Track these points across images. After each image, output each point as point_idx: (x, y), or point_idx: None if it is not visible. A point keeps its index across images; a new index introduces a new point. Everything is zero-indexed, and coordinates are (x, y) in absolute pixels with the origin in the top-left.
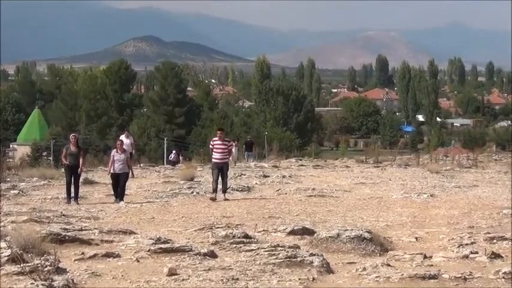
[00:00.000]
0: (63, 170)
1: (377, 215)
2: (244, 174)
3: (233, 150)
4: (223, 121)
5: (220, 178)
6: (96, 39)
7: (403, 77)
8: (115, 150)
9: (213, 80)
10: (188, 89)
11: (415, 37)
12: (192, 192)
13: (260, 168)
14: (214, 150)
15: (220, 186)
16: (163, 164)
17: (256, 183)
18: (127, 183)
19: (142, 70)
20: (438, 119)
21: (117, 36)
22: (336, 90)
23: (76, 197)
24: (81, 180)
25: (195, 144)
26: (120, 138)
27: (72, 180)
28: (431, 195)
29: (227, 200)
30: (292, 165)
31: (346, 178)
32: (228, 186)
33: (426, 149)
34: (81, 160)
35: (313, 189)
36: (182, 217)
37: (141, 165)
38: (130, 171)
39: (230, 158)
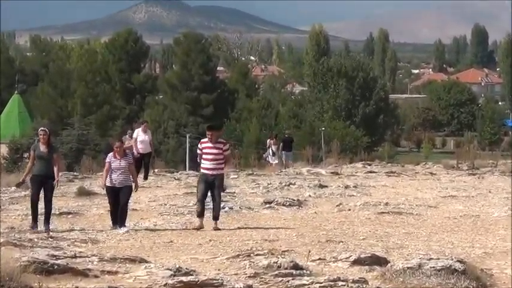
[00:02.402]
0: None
1: (472, 239)
2: (294, 184)
3: (273, 149)
4: (265, 112)
5: (210, 197)
6: (96, 3)
7: (508, 53)
8: (112, 154)
9: (252, 57)
10: (219, 68)
11: None
12: (224, 208)
13: (315, 175)
14: (204, 156)
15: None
16: (185, 168)
17: (309, 196)
18: (132, 197)
19: (157, 44)
20: None
21: None
22: (417, 71)
23: (47, 220)
24: (75, 190)
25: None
26: (136, 132)
27: (42, 196)
28: None
29: (218, 229)
30: (358, 171)
31: (430, 189)
32: (219, 212)
33: None
34: (55, 168)
35: (386, 204)
36: (210, 240)
37: (155, 171)
38: (135, 183)
39: (271, 159)
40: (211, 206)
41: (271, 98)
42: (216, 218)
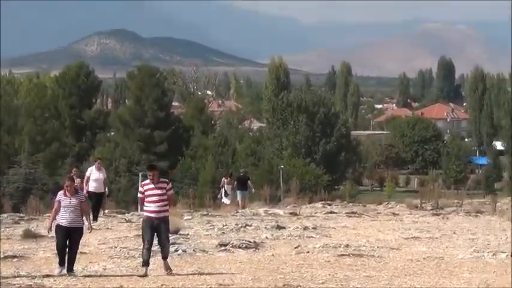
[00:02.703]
0: None
1: (435, 282)
2: (250, 225)
3: (225, 188)
4: (221, 149)
5: (157, 241)
6: (46, 34)
7: (475, 87)
8: (62, 192)
9: (208, 92)
10: (174, 104)
11: (494, 32)
12: (177, 250)
13: (273, 215)
14: (147, 199)
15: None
16: (137, 209)
17: (266, 237)
18: (81, 239)
19: (109, 78)
20: None
21: (75, 30)
22: (380, 106)
23: None
24: (20, 232)
25: (181, 182)
26: (89, 170)
27: None
28: None
29: (171, 273)
30: (318, 212)
31: (393, 230)
32: (168, 251)
33: (506, 190)
34: None
35: (347, 245)
36: (162, 285)
37: (106, 211)
38: (88, 223)
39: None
40: (159, 249)
41: (228, 135)
42: (166, 257)
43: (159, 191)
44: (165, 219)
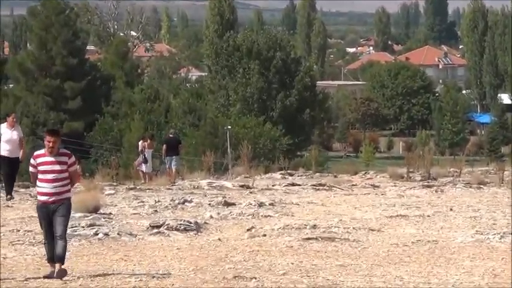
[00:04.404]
0: None
1: (428, 271)
2: (190, 201)
3: (146, 154)
4: (151, 106)
5: (55, 233)
6: None
7: (474, 26)
8: None
9: (133, 33)
10: (89, 48)
11: None
12: (97, 233)
13: (219, 189)
14: (40, 176)
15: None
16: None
17: (211, 217)
18: None
19: (6, 15)
20: None
21: None
22: (354, 49)
23: None
24: None
25: (101, 148)
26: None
27: None
28: None
29: (64, 274)
30: (277, 184)
31: (372, 207)
32: (65, 251)
33: None
34: None
35: (314, 226)
36: (78, 278)
37: (2, 185)
38: None
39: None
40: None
41: (160, 87)
42: (60, 259)
43: (57, 167)
44: (65, 203)
